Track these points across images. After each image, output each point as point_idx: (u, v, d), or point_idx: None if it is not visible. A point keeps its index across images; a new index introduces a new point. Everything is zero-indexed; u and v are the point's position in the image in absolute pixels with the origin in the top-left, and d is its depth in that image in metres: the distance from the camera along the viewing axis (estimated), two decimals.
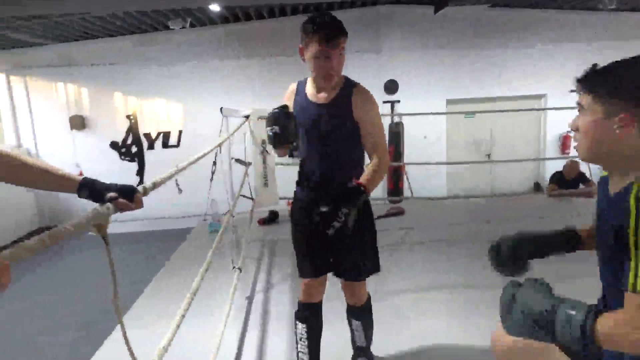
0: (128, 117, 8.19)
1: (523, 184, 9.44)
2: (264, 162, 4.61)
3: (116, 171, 7.96)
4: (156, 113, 8.28)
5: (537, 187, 9.35)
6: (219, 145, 3.07)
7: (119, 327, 1.13)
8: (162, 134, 8.28)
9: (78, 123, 7.95)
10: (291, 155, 1.98)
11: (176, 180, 2.08)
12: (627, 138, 1.05)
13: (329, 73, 1.86)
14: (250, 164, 4.76)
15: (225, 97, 7.40)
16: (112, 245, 1.15)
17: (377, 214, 5.28)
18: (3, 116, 7.89)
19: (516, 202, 6.15)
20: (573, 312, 1.00)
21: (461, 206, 6.13)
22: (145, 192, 1.39)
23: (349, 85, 1.98)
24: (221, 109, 4.66)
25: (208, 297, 3.09)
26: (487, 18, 8.39)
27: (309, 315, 2.13)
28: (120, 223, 6.52)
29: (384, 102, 8.35)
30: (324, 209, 1.67)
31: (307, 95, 2.00)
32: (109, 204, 1.14)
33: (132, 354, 1.10)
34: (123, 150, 8.20)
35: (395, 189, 7.18)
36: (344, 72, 2.00)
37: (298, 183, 2.09)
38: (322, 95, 1.96)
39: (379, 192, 7.95)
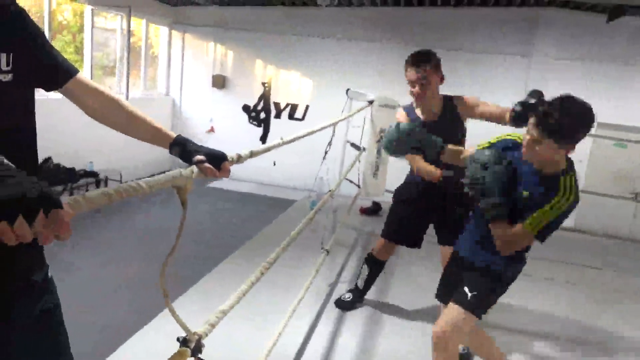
0: (263, 84, 8.59)
1: None
2: (379, 152, 4.50)
3: (242, 133, 8.45)
4: (289, 84, 8.57)
5: None
6: (334, 125, 3.02)
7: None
8: (290, 106, 8.56)
9: (219, 82, 8.54)
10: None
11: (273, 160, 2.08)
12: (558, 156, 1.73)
13: (421, 93, 2.50)
14: (364, 150, 4.69)
15: (354, 80, 7.37)
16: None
17: None
18: (160, 65, 8.78)
19: None
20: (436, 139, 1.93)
21: (590, 244, 5.43)
22: (239, 159, 1.38)
23: (449, 101, 2.55)
24: (347, 90, 4.63)
25: (286, 275, 3.12)
26: None
27: (376, 267, 2.91)
28: (230, 181, 6.92)
29: None
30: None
31: (418, 114, 2.60)
32: (193, 167, 1.14)
33: (181, 324, 1.09)
34: (252, 114, 8.65)
35: None
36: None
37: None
38: (430, 113, 2.56)
39: None
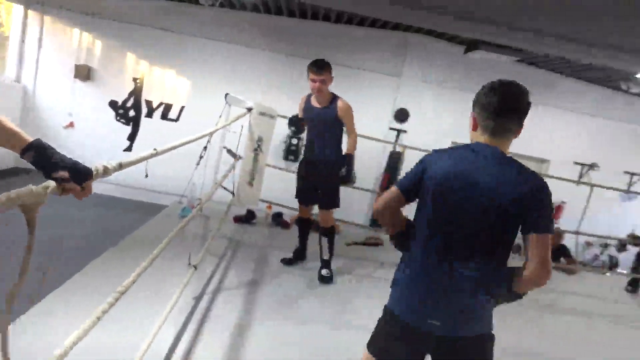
0: (135, 79, 8.02)
1: None
2: (255, 160, 4.46)
3: (107, 130, 7.78)
4: (163, 83, 8.12)
5: (518, 249, 9.24)
6: (210, 134, 2.92)
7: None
8: (163, 105, 8.11)
9: (83, 73, 7.77)
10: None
11: (146, 168, 1.94)
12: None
13: (319, 90, 3.53)
14: (240, 157, 4.61)
15: (233, 84, 7.26)
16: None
17: (355, 239, 5.19)
18: (10, 47, 7.70)
19: None
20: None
21: None
22: (106, 172, 1.24)
23: (335, 98, 3.62)
24: (226, 95, 4.52)
25: (151, 290, 2.93)
26: (512, 72, 8.31)
27: (302, 224, 4.05)
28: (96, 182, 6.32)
29: (391, 128, 8.24)
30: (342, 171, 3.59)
31: (311, 103, 3.68)
32: (50, 183, 0.98)
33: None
34: (120, 111, 8.01)
35: None
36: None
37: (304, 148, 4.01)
38: (318, 104, 3.64)
39: (359, 218, 7.82)
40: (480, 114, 1.56)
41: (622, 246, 7.90)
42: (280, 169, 5.84)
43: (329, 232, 3.83)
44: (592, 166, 8.64)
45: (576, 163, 8.75)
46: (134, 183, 6.56)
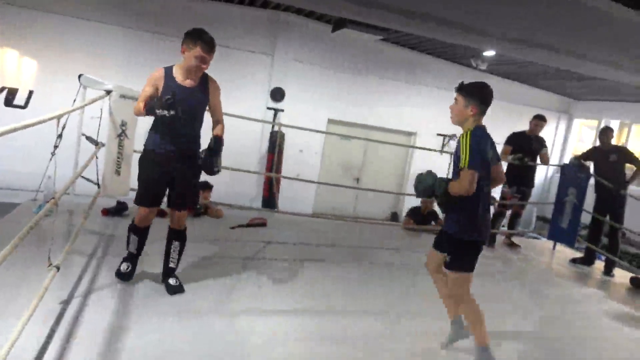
0: None
1: (385, 211, 9.97)
2: (120, 146, 4.11)
3: None
4: (3, 64, 7.06)
5: (395, 216, 9.93)
6: (59, 117, 2.56)
7: None
8: (6, 89, 7.07)
9: None
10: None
11: None
12: (470, 115, 2.59)
13: (202, 69, 3.02)
14: (102, 145, 4.20)
15: (90, 65, 6.59)
16: None
17: (239, 222, 5.10)
18: None
19: (375, 229, 6.38)
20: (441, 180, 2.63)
21: (324, 225, 6.18)
22: None
23: (205, 77, 3.10)
24: (80, 76, 4.07)
25: (4, 298, 2.57)
26: (377, 50, 8.75)
27: (141, 233, 3.23)
28: None
29: (268, 108, 8.19)
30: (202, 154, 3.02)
31: (177, 80, 2.98)
32: None
33: None
34: None
35: (271, 200, 7.01)
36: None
37: (157, 138, 3.02)
38: (189, 81, 3.01)
39: (246, 201, 7.72)
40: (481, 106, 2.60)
41: None
42: None
43: (182, 234, 3.26)
44: (452, 137, 9.53)
45: (439, 134, 9.58)
46: None
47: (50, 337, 2.40)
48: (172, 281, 3.18)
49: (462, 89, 2.59)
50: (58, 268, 2.58)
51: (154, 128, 3.04)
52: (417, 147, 8.76)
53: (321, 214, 8.08)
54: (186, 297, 3.16)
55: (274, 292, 3.51)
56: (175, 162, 3.00)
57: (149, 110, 2.79)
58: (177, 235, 3.23)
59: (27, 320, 2.09)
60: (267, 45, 8.17)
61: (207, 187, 5.45)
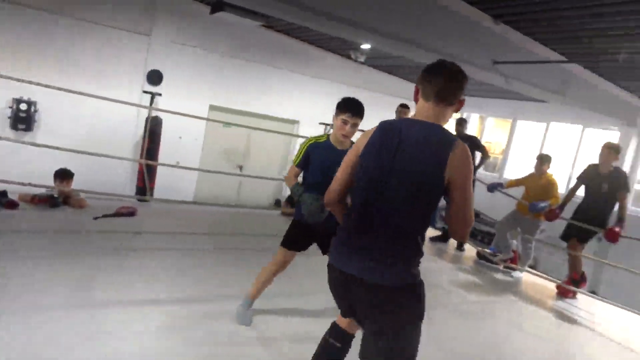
0: None
1: (269, 198, 10.10)
2: None
3: None
4: None
5: (278, 203, 10.13)
6: None
7: None
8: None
9: None
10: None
11: None
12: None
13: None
14: None
15: None
16: None
17: (104, 212, 4.83)
18: None
19: (258, 216, 6.47)
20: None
21: (204, 213, 6.11)
22: None
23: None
24: None
25: None
26: (258, 36, 8.77)
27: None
28: None
29: (145, 92, 7.79)
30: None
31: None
32: None
33: None
34: None
35: (145, 189, 6.67)
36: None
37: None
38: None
39: (119, 188, 7.30)
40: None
41: None
42: (7, 139, 4.92)
43: None
44: (332, 126, 9.92)
45: (321, 123, 9.92)
46: None
47: None
48: None
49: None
50: None
51: None
52: (300, 136, 8.98)
53: (201, 203, 7.94)
54: (51, 289, 2.96)
55: (129, 284, 3.37)
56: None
57: None
58: None
59: None
60: (143, 25, 7.72)
61: (68, 175, 5.05)
